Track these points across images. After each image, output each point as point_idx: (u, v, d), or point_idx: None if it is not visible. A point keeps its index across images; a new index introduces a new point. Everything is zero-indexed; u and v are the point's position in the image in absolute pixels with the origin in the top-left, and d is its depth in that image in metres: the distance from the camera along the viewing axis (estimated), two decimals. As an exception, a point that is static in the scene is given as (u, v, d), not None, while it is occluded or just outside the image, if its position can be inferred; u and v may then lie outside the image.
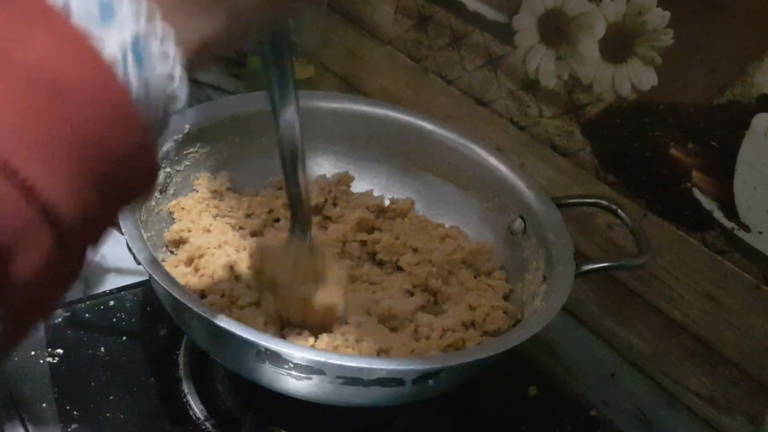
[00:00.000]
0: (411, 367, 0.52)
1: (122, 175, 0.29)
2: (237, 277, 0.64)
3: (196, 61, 0.33)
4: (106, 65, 0.28)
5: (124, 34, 0.28)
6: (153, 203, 0.68)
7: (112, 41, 0.28)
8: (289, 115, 0.50)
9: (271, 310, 0.60)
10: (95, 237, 0.30)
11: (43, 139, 0.26)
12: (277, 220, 0.75)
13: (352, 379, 0.51)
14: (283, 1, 0.38)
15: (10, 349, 0.27)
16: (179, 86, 0.31)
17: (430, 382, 0.53)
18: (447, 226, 0.77)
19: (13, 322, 0.24)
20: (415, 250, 0.73)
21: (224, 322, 0.50)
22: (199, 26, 0.32)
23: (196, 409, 0.65)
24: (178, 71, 0.31)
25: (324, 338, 0.59)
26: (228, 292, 0.62)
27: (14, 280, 0.25)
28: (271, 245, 0.63)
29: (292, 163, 0.53)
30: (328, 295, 0.58)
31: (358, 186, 0.80)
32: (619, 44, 0.70)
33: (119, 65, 0.28)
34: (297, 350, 0.50)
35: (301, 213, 0.58)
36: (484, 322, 0.66)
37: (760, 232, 0.64)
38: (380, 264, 0.74)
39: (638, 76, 0.69)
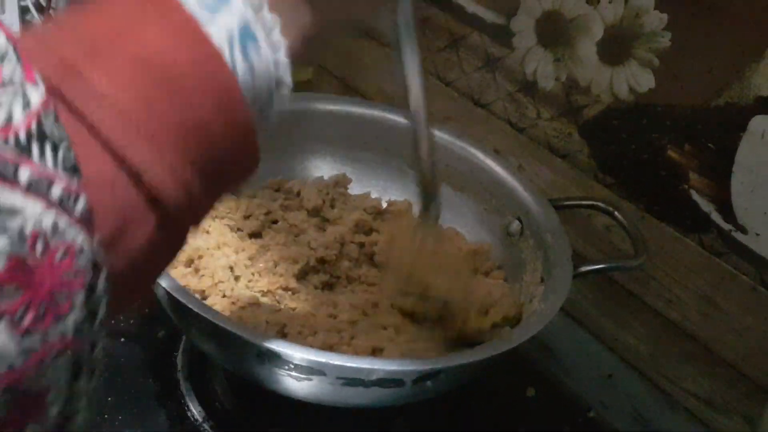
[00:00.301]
0: (411, 367, 0.52)
1: (225, 160, 0.30)
2: (237, 278, 0.64)
3: (300, 50, 0.33)
4: (215, 53, 0.28)
5: (232, 22, 0.29)
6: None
7: (222, 28, 0.29)
8: (417, 91, 0.53)
9: (390, 289, 0.63)
10: (196, 219, 0.31)
11: (152, 125, 0.27)
12: (275, 222, 0.75)
13: (352, 379, 0.51)
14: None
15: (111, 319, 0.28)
16: (284, 73, 0.31)
17: (430, 382, 0.53)
18: (444, 227, 0.77)
19: (116, 297, 0.25)
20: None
21: (225, 323, 0.50)
22: (304, 17, 0.33)
23: (195, 410, 0.65)
24: (283, 58, 0.31)
25: (320, 336, 0.59)
26: (229, 293, 0.62)
27: (121, 257, 0.26)
28: (403, 227, 0.65)
29: (417, 145, 0.56)
30: (446, 288, 0.61)
31: (356, 188, 0.80)
32: (616, 46, 0.71)
33: (227, 52, 0.29)
34: (298, 351, 0.50)
35: (432, 199, 0.60)
36: (491, 312, 0.66)
37: (758, 234, 0.64)
38: (378, 265, 0.74)
39: (636, 78, 0.70)
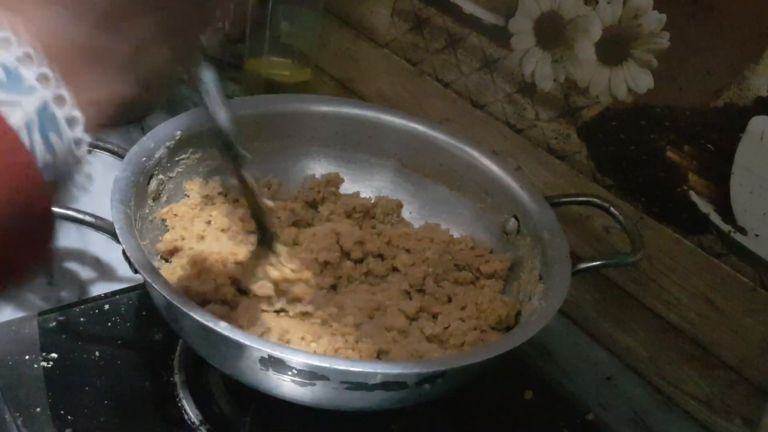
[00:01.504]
0: (415, 370, 0.52)
1: (19, 237, 0.31)
2: (235, 282, 0.64)
3: (101, 121, 0.34)
4: (12, 135, 0.29)
5: (31, 102, 0.30)
6: (147, 211, 0.67)
7: (19, 109, 0.29)
8: (226, 125, 0.53)
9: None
10: None
11: None
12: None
13: (356, 383, 0.51)
14: (182, 54, 0.39)
15: None
16: (84, 150, 0.32)
17: (433, 384, 0.53)
18: (442, 227, 0.77)
19: None
20: (407, 251, 0.73)
21: (227, 330, 0.50)
22: (105, 89, 0.34)
23: (192, 413, 0.64)
24: (84, 135, 0.32)
25: (324, 341, 0.59)
26: (228, 299, 0.61)
27: None
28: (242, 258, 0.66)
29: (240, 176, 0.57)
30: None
31: (350, 189, 0.80)
32: (615, 47, 0.70)
33: (25, 133, 0.29)
34: (301, 356, 0.50)
35: (264, 224, 0.62)
36: (485, 315, 0.66)
37: (757, 235, 0.64)
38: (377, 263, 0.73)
39: (634, 79, 0.70)
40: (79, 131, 0.32)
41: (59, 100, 0.31)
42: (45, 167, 0.30)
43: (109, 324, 0.70)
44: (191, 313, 0.51)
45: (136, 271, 0.55)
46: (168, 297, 0.52)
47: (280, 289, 0.63)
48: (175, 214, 0.70)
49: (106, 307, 0.72)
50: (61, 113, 0.31)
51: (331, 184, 0.79)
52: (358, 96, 1.01)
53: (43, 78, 0.30)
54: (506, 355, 0.55)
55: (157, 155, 0.67)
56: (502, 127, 0.83)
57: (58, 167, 0.31)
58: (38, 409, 0.61)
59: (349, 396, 0.52)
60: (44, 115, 0.30)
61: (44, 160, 0.30)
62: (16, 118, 0.29)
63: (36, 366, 0.65)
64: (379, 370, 0.51)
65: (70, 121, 0.31)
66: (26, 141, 0.29)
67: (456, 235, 0.77)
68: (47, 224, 0.32)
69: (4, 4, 0.30)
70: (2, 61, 0.29)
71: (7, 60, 0.29)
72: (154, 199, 0.69)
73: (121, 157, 0.65)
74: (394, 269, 0.72)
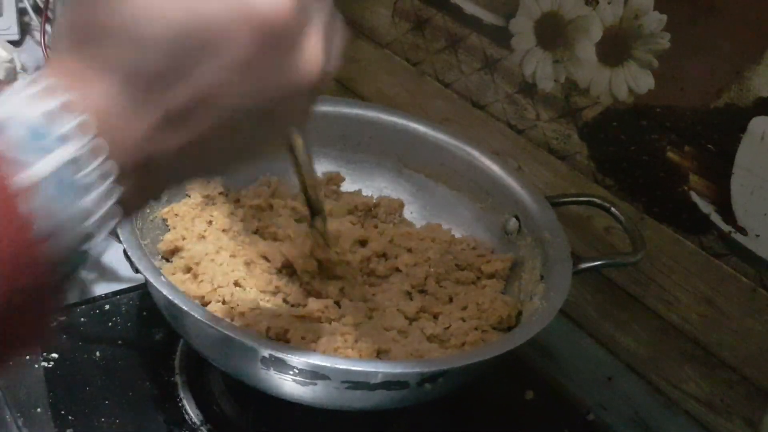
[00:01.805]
0: (416, 369, 0.52)
1: (11, 318, 0.27)
2: (236, 283, 0.64)
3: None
4: (10, 198, 0.26)
5: (48, 163, 0.27)
6: (147, 210, 0.67)
7: (37, 168, 0.27)
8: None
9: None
10: None
11: None
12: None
13: (357, 383, 0.51)
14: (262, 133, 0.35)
15: None
16: (99, 223, 0.29)
17: (434, 384, 0.53)
18: (444, 227, 0.77)
19: None
20: (409, 251, 0.73)
21: (229, 330, 0.50)
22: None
23: (192, 413, 0.64)
24: (102, 207, 0.29)
25: (323, 340, 0.59)
26: (228, 298, 0.61)
27: None
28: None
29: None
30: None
31: (351, 189, 0.80)
32: (616, 47, 0.70)
33: (29, 197, 0.26)
34: (302, 356, 0.50)
35: (316, 208, 0.62)
36: (486, 315, 0.66)
37: (757, 236, 0.64)
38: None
39: (635, 80, 0.70)
40: (95, 201, 0.28)
41: (84, 163, 0.28)
42: (41, 236, 0.27)
43: (110, 324, 0.70)
44: (192, 313, 0.51)
45: (137, 271, 0.56)
46: (169, 296, 0.52)
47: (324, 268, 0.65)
48: (176, 214, 0.70)
49: (107, 307, 0.72)
50: (83, 177, 0.28)
51: (332, 182, 0.79)
52: (358, 96, 1.00)
53: (65, 138, 0.27)
54: (507, 355, 0.55)
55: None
56: (503, 127, 0.83)
57: (60, 239, 0.27)
58: (39, 410, 0.61)
59: (350, 396, 0.52)
60: (61, 180, 0.27)
61: (42, 228, 0.27)
62: (31, 177, 0.26)
63: (37, 366, 0.65)
64: (380, 370, 0.51)
65: (88, 187, 0.28)
66: (25, 206, 0.26)
67: (457, 235, 0.77)
68: (43, 295, 0.28)
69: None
70: (28, 119, 0.27)
71: (34, 118, 0.27)
72: (154, 199, 0.69)
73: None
74: (397, 269, 0.72)
